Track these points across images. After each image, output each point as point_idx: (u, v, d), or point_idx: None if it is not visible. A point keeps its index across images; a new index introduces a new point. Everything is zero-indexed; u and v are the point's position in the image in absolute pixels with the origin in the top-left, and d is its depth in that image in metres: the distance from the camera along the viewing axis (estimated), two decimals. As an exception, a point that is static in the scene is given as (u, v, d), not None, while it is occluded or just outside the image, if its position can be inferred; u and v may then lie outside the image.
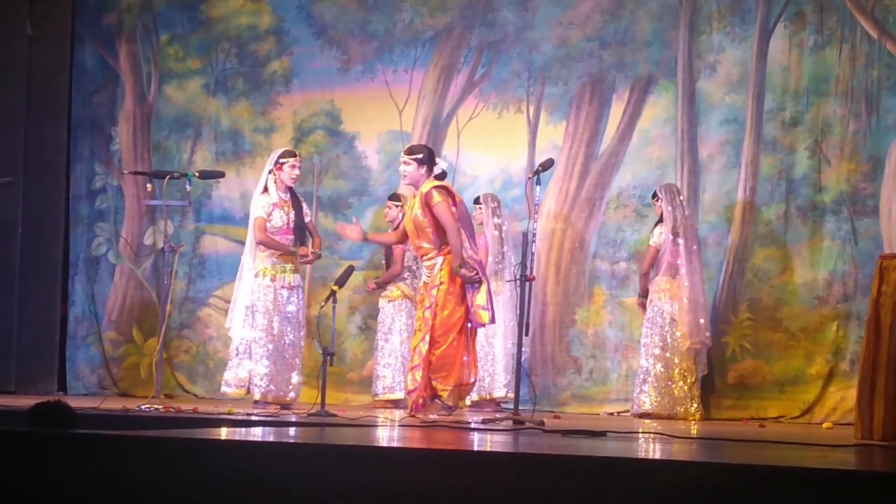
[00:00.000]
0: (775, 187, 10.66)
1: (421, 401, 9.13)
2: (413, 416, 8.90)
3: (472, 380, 9.27)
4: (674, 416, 10.10)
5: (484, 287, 9.10)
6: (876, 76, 10.37)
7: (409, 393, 9.35)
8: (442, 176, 9.36)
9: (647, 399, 10.25)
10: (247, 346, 9.87)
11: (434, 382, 9.13)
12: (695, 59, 11.01)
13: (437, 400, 9.17)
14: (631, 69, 11.26)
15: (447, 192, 9.18)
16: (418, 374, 9.16)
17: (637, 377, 10.39)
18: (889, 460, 5.55)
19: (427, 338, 9.11)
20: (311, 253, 9.96)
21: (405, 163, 9.27)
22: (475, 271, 9.07)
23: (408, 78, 11.99)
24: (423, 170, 9.22)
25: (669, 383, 10.21)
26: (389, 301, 11.07)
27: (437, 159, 9.43)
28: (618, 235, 11.20)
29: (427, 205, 9.13)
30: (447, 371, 9.06)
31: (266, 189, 9.94)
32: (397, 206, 11.06)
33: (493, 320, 9.21)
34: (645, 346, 10.35)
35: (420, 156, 9.25)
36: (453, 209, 9.12)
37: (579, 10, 11.45)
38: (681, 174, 10.87)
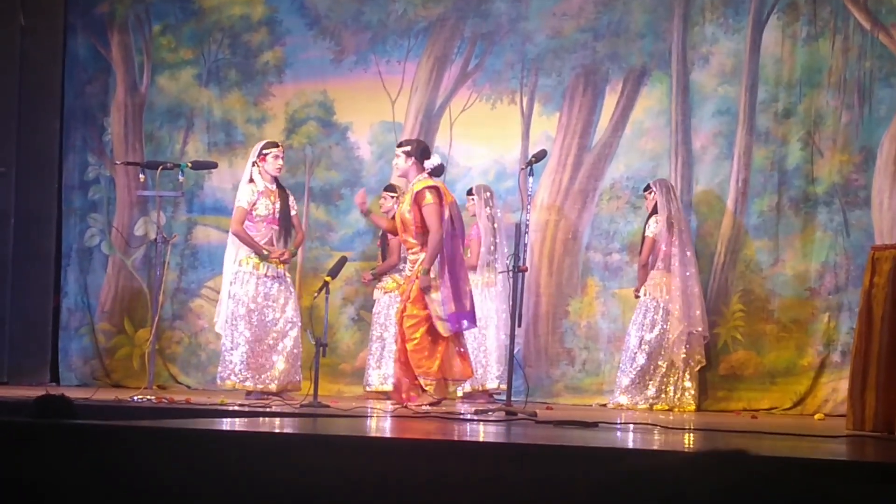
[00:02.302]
0: (768, 178, 10.66)
1: (413, 392, 9.14)
2: (405, 406, 8.92)
3: (465, 374, 9.30)
4: (657, 405, 10.12)
5: (439, 296, 9.07)
6: (868, 67, 10.38)
7: (395, 384, 9.37)
8: (437, 171, 9.30)
9: (634, 389, 10.26)
10: (231, 337, 9.88)
11: (419, 378, 9.14)
12: (688, 51, 11.01)
13: (424, 394, 9.20)
14: (624, 60, 11.25)
15: (438, 193, 9.13)
16: (402, 367, 9.18)
17: (625, 367, 10.39)
18: (880, 450, 5.56)
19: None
20: (287, 252, 9.93)
21: (396, 155, 9.29)
22: (435, 283, 9.07)
23: (401, 69, 11.97)
24: (411, 162, 9.17)
25: (658, 374, 10.22)
26: (385, 293, 11.06)
27: (433, 154, 9.37)
28: (611, 227, 11.20)
29: (417, 203, 9.10)
30: (426, 366, 9.04)
31: (252, 179, 9.94)
32: (393, 196, 11.06)
33: (457, 328, 9.12)
34: (633, 336, 10.36)
35: (408, 148, 9.23)
36: (445, 211, 9.11)
37: (573, 1, 11.44)
38: (674, 165, 10.88)
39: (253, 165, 9.97)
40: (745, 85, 10.75)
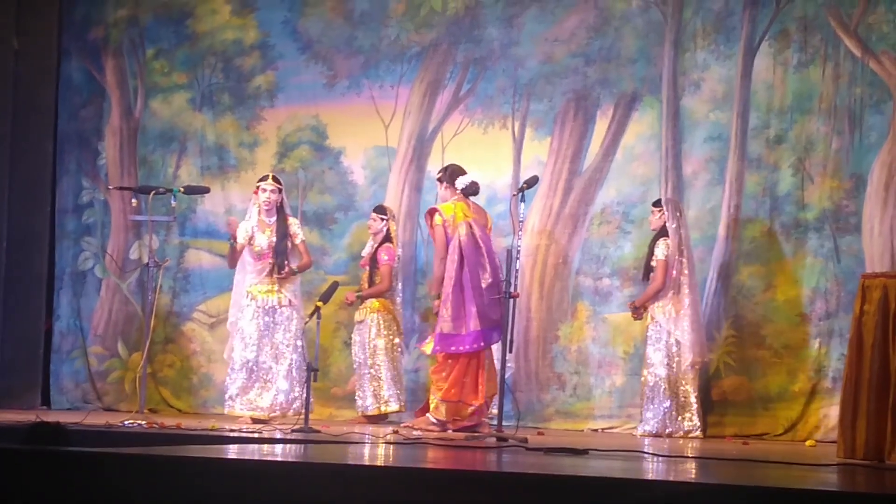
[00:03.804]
0: (759, 204, 10.68)
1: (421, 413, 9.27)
2: (396, 431, 8.94)
3: (480, 401, 9.35)
4: (677, 433, 10.03)
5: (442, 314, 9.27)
6: (859, 94, 10.41)
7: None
8: (469, 189, 9.49)
9: (656, 418, 10.14)
10: (233, 364, 10.09)
11: (431, 396, 9.22)
12: (679, 77, 11.03)
13: (427, 415, 9.23)
14: (615, 86, 11.28)
15: (443, 215, 9.32)
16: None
17: (646, 397, 10.28)
18: (871, 480, 5.58)
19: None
20: (287, 269, 10.17)
21: (436, 185, 9.68)
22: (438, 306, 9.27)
23: (394, 93, 12.00)
24: (444, 186, 9.46)
25: (677, 402, 10.12)
26: (371, 312, 10.98)
27: (466, 173, 9.64)
28: (601, 251, 11.20)
29: (428, 224, 9.41)
30: (440, 386, 9.15)
31: (250, 215, 10.26)
32: (383, 218, 11.06)
33: (437, 350, 9.30)
34: (651, 366, 10.24)
35: (440, 175, 9.70)
36: (453, 232, 9.24)
37: (564, 26, 11.48)
38: (665, 191, 10.88)
39: (253, 195, 10.37)
40: (737, 111, 10.77)
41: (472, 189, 9.56)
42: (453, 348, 9.26)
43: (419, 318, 11.62)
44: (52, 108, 12.81)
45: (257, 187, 10.31)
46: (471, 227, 9.37)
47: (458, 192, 9.47)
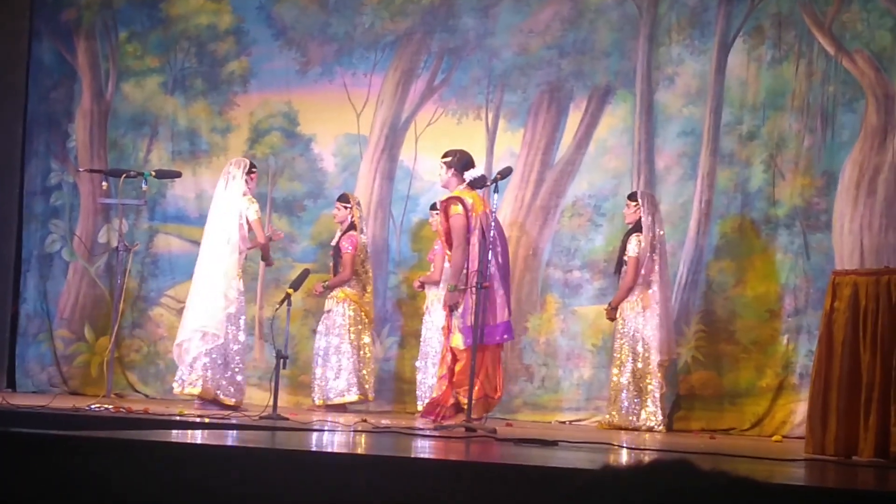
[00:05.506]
0: (731, 200, 10.70)
1: (442, 411, 9.02)
2: (364, 419, 8.90)
3: (498, 394, 9.17)
4: (641, 428, 10.01)
5: (459, 310, 8.98)
6: (832, 92, 10.44)
7: (433, 401, 9.19)
8: (478, 182, 9.18)
9: (620, 412, 10.12)
10: (215, 349, 10.04)
11: (458, 396, 9.00)
12: (653, 71, 11.04)
13: (460, 413, 9.06)
14: (589, 78, 11.28)
15: (465, 204, 8.99)
16: (444, 385, 9.01)
17: (610, 390, 10.27)
18: (840, 476, 5.59)
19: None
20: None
21: (441, 166, 9.23)
22: (460, 297, 8.91)
23: (367, 81, 11.97)
24: (451, 173, 9.10)
25: (642, 397, 10.11)
26: (338, 302, 10.98)
27: (474, 167, 9.28)
28: (571, 244, 11.21)
29: (444, 213, 9.03)
30: (466, 383, 8.83)
31: (245, 192, 10.14)
32: (346, 207, 11.04)
33: (470, 343, 8.91)
34: (618, 361, 10.23)
35: (449, 159, 9.16)
36: (474, 222, 8.96)
37: (540, 18, 11.47)
38: (637, 185, 10.88)
39: (244, 180, 10.17)
40: (710, 106, 10.79)
41: (480, 182, 9.31)
42: (487, 339, 9.02)
43: (391, 308, 11.61)
44: (23, 90, 12.73)
45: (252, 173, 10.26)
46: (489, 216, 9.22)
47: (464, 182, 9.21)
